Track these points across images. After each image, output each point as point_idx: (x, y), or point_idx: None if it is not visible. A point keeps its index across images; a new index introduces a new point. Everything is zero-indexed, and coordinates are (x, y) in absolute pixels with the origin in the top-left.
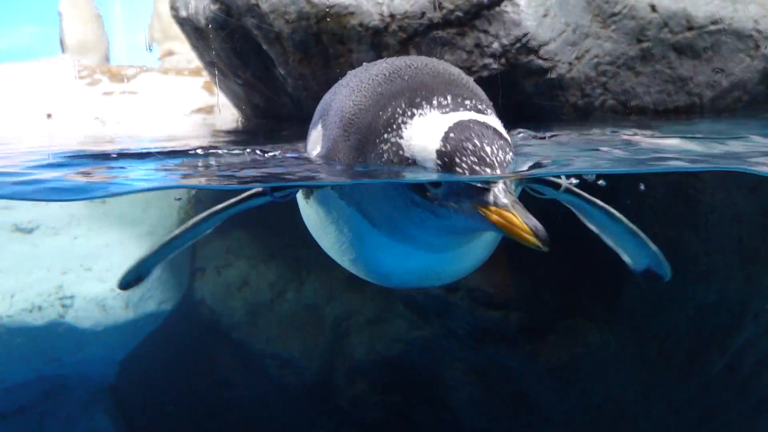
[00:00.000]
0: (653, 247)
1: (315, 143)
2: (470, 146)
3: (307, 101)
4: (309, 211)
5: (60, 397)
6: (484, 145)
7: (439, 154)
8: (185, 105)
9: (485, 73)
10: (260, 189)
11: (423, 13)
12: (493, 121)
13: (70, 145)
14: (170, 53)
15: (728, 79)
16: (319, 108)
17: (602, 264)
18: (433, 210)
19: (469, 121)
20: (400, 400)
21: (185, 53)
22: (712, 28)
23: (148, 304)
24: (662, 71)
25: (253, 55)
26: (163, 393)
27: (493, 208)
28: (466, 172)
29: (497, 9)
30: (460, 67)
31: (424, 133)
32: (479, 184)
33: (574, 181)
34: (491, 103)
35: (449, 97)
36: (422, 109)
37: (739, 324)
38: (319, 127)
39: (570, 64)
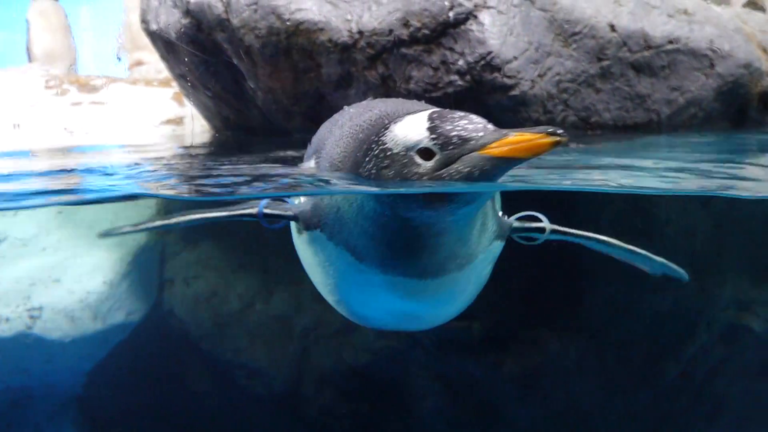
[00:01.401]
0: (659, 259)
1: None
2: (455, 113)
3: (277, 114)
4: (300, 246)
5: (27, 408)
6: (467, 113)
7: (430, 126)
8: (154, 116)
9: (451, 90)
10: (254, 211)
11: (391, 31)
12: None
13: (37, 156)
14: (139, 63)
15: (684, 97)
16: (315, 139)
17: (563, 275)
18: (430, 203)
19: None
20: (367, 409)
21: (155, 63)
22: (669, 47)
23: (116, 315)
24: (621, 89)
25: (223, 68)
26: (131, 404)
27: (495, 144)
28: (458, 129)
29: (462, 27)
30: (427, 84)
31: (407, 124)
32: (474, 134)
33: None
34: None
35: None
36: (398, 119)
37: (693, 332)
38: (313, 161)
39: (533, 81)
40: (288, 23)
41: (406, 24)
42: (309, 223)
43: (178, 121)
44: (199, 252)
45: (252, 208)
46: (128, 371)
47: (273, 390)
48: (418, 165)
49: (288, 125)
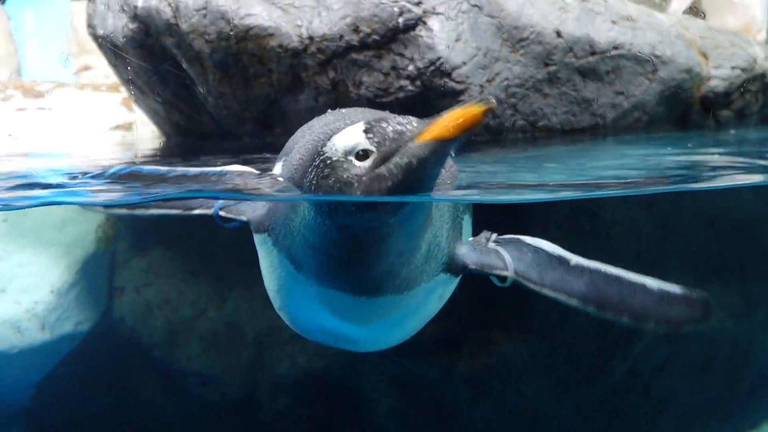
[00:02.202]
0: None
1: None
2: (392, 115)
3: (228, 119)
4: (258, 251)
5: None
6: (397, 116)
7: (366, 128)
8: (103, 122)
9: (401, 95)
10: (209, 212)
11: (341, 36)
12: None
13: None
14: (87, 68)
15: (629, 101)
16: (289, 141)
17: None
18: (370, 205)
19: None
20: (323, 414)
21: (102, 68)
22: (614, 53)
23: (64, 325)
24: (568, 93)
25: (172, 73)
26: (82, 415)
27: (428, 129)
28: (392, 125)
29: (412, 33)
30: (377, 89)
31: (345, 132)
32: (408, 126)
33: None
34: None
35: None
36: (339, 130)
37: (639, 331)
38: (281, 163)
39: (481, 86)
40: (237, 28)
41: (356, 30)
42: (259, 226)
43: (128, 127)
44: (150, 259)
45: (208, 207)
46: (78, 382)
47: (227, 397)
48: (357, 167)
49: (239, 130)
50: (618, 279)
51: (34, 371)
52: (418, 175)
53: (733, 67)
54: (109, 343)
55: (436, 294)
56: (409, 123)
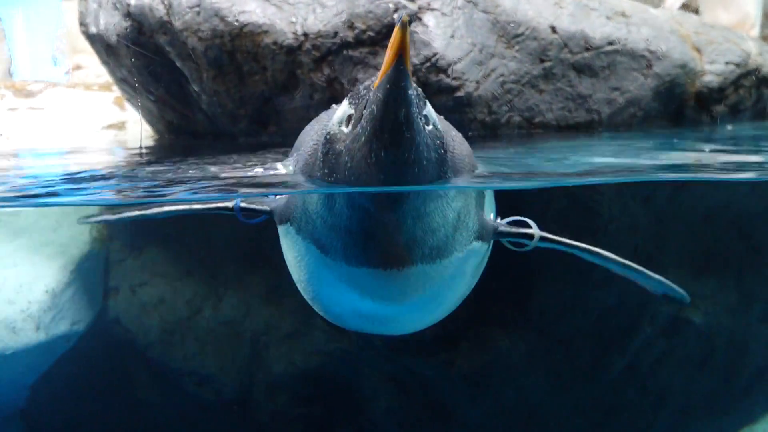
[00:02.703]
0: (656, 276)
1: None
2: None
3: (222, 117)
4: (281, 242)
5: None
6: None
7: (349, 96)
8: (95, 121)
9: None
10: (230, 205)
11: (336, 33)
12: None
13: None
14: (78, 67)
15: (624, 97)
16: (300, 136)
17: (511, 273)
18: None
19: None
20: (320, 412)
21: (94, 67)
22: (609, 48)
23: (60, 326)
24: (563, 89)
25: (166, 71)
26: (77, 416)
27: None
28: (363, 85)
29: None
30: None
31: (339, 108)
32: (372, 80)
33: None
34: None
35: None
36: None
37: (637, 326)
38: (293, 158)
39: (477, 82)
40: (232, 25)
41: (351, 26)
42: (282, 217)
43: (120, 126)
44: (144, 259)
45: (229, 201)
46: (74, 382)
47: (223, 397)
48: (344, 132)
49: (234, 128)
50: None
51: (29, 372)
52: (387, 123)
53: (726, 63)
54: (105, 343)
55: (470, 265)
56: (373, 79)
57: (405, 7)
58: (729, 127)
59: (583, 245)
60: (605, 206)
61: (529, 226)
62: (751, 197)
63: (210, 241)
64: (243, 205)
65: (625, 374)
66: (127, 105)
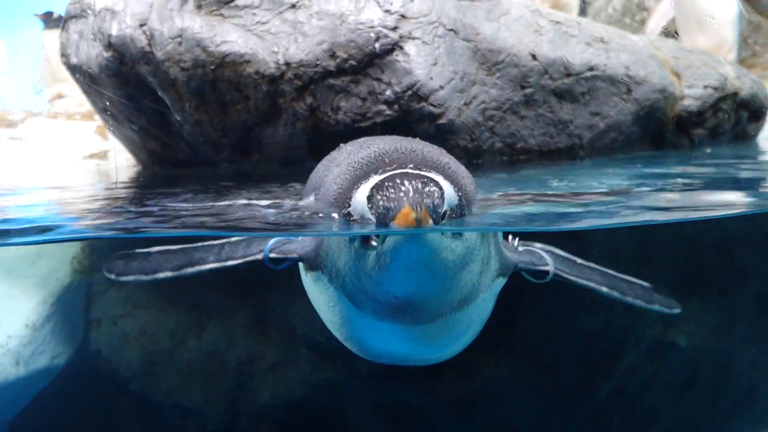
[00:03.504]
0: (655, 306)
1: (309, 211)
2: (389, 184)
3: (205, 147)
4: (306, 284)
5: None
6: (404, 181)
7: (368, 200)
8: (77, 151)
9: (379, 119)
10: (260, 257)
11: (318, 62)
12: (431, 175)
13: None
14: (60, 96)
15: (604, 122)
16: (313, 176)
17: (497, 298)
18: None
19: (400, 173)
20: None
21: (76, 96)
22: (588, 74)
23: (39, 360)
24: (544, 115)
25: (148, 101)
26: None
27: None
28: (384, 203)
29: (389, 58)
30: (355, 114)
31: (362, 191)
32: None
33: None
34: (459, 173)
35: (395, 164)
36: (368, 178)
37: (622, 350)
38: (312, 197)
39: (459, 109)
40: (214, 55)
41: (332, 55)
42: (313, 264)
43: (102, 156)
44: (127, 290)
45: (257, 254)
46: (54, 418)
47: (208, 429)
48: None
49: (216, 158)
50: (612, 274)
51: (8, 408)
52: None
53: (705, 86)
54: (86, 376)
55: (491, 297)
56: (393, 205)
57: (386, 36)
58: (708, 150)
59: (593, 285)
60: (588, 231)
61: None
62: (733, 219)
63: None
64: (272, 256)
65: (612, 398)
66: (110, 134)
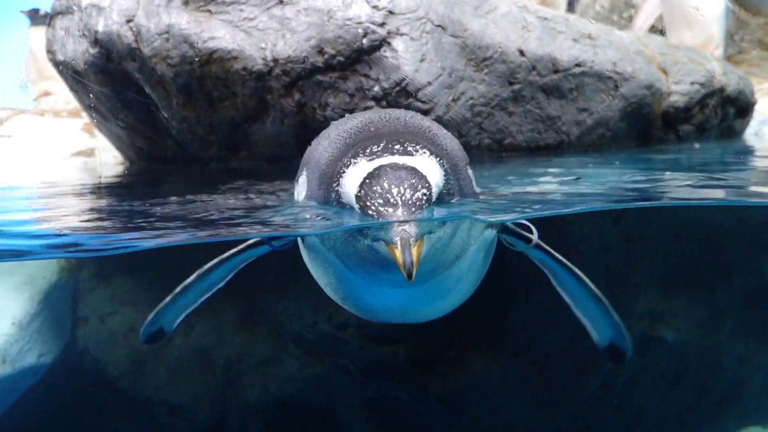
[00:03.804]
0: (616, 317)
1: (301, 190)
2: (378, 189)
3: (192, 143)
4: (303, 252)
5: None
6: (392, 186)
7: (357, 199)
8: (64, 148)
9: None
10: (260, 239)
11: (305, 58)
12: (418, 161)
13: None
14: (46, 94)
15: (592, 118)
16: (304, 157)
17: (485, 295)
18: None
19: (388, 165)
20: None
21: (63, 93)
22: (576, 70)
23: (27, 358)
24: (532, 111)
25: (135, 98)
26: None
27: (391, 246)
28: (374, 213)
29: (377, 54)
30: (343, 110)
31: (351, 181)
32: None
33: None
34: (448, 148)
35: (382, 144)
36: (356, 158)
37: None
38: (304, 175)
39: (447, 105)
40: (201, 52)
41: (320, 51)
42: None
43: (89, 153)
44: (114, 287)
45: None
46: (41, 416)
47: (196, 426)
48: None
49: (204, 154)
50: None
51: None
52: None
53: (692, 83)
54: (73, 374)
55: (483, 248)
56: (388, 215)
57: (374, 32)
58: (696, 146)
59: (570, 265)
60: (576, 226)
61: (531, 230)
62: (720, 214)
63: (180, 268)
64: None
65: (600, 393)
66: (97, 132)
